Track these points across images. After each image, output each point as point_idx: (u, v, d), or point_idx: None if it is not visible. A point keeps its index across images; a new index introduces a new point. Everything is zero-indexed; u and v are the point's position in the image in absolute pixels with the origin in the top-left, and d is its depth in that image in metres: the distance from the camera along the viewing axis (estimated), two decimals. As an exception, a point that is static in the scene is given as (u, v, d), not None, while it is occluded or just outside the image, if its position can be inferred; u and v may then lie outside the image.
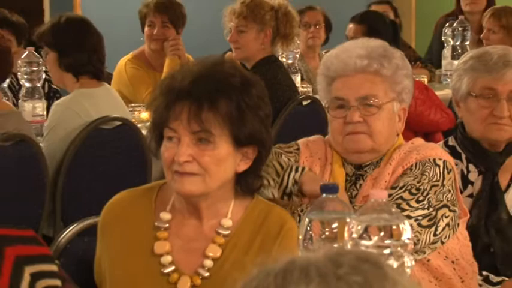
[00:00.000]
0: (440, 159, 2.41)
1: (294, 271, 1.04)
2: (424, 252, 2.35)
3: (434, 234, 2.34)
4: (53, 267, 2.00)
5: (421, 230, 2.30)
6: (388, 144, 2.43)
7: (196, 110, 1.98)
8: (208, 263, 2.06)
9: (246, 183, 2.11)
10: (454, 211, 2.40)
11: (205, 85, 2.00)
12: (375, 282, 1.03)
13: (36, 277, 1.96)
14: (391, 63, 2.41)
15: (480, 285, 2.58)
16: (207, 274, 2.06)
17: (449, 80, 5.03)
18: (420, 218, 2.30)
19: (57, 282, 1.97)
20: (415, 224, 2.27)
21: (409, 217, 2.24)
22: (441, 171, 2.38)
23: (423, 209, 2.32)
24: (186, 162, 2.00)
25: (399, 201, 2.30)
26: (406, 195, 2.32)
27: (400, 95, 2.43)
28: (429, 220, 2.32)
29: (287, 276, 1.03)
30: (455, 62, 4.92)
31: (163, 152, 2.04)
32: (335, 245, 1.73)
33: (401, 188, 2.34)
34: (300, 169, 2.33)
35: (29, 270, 1.96)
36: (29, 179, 3.59)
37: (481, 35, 5.51)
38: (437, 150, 2.49)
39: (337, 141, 2.44)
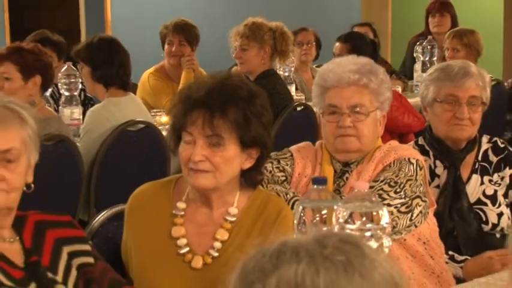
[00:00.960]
0: (414, 158, 2.42)
1: (287, 252, 1.03)
2: (401, 233, 2.35)
3: (410, 219, 2.35)
4: (87, 247, 2.00)
5: (400, 216, 2.31)
6: (371, 146, 2.44)
7: (210, 117, 1.97)
8: (217, 244, 2.06)
9: (249, 178, 2.11)
10: (425, 201, 2.41)
11: (217, 96, 2.00)
12: (355, 260, 1.03)
13: (72, 255, 1.96)
14: (378, 78, 2.43)
15: (446, 262, 2.58)
16: (216, 254, 2.06)
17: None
18: (399, 205, 2.31)
19: (91, 260, 1.97)
20: (394, 210, 2.28)
21: (389, 205, 2.26)
22: (414, 168, 2.39)
23: (400, 198, 2.32)
24: (200, 162, 1.99)
25: (380, 192, 2.30)
26: (386, 187, 2.33)
27: (382, 104, 2.44)
28: (406, 208, 2.33)
29: (280, 257, 1.03)
30: (425, 75, 4.92)
31: (181, 152, 2.04)
32: (324, 229, 1.73)
33: (382, 181, 2.35)
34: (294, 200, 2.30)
35: (66, 249, 1.96)
36: (68, 172, 3.60)
37: (446, 55, 5.49)
38: (411, 151, 2.50)
39: (329, 141, 2.45)
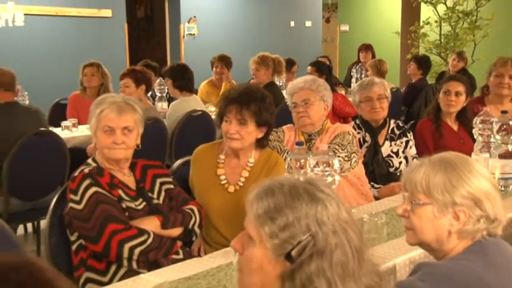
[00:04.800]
0: (351, 132, 2.40)
1: (275, 185, 0.96)
2: (345, 172, 2.33)
3: (350, 165, 2.33)
4: (170, 179, 2.00)
5: (344, 163, 2.28)
6: (320, 122, 2.40)
7: (240, 109, 1.95)
8: (242, 179, 2.04)
9: (261, 143, 2.07)
10: (357, 155, 2.39)
11: (244, 97, 1.97)
12: (317, 193, 0.94)
13: (162, 183, 1.96)
14: (315, 84, 2.41)
15: (370, 188, 2.57)
16: (241, 184, 2.04)
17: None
18: (344, 157, 2.29)
19: (172, 186, 1.98)
20: (342, 159, 2.26)
21: (338, 156, 2.23)
22: (351, 137, 2.36)
23: (345, 153, 2.30)
24: (234, 133, 1.97)
25: (334, 149, 2.29)
26: (336, 147, 2.31)
27: (322, 98, 2.40)
28: (348, 158, 2.30)
29: (275, 187, 0.96)
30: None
31: (222, 127, 2.01)
32: (301, 171, 1.70)
33: (334, 143, 2.33)
34: (286, 154, 2.26)
35: (159, 180, 1.96)
36: (159, 138, 3.59)
37: (367, 72, 5.47)
38: (349, 128, 2.48)
39: (295, 122, 2.43)
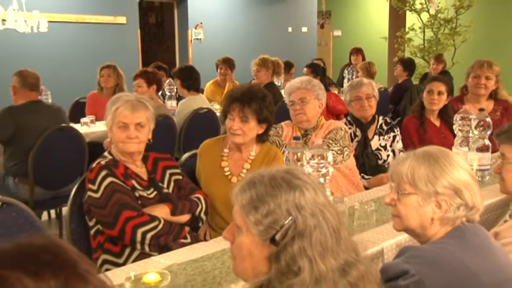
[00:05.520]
0: (343, 128, 2.38)
1: (265, 177, 0.94)
2: (338, 164, 2.31)
3: (342, 157, 2.31)
4: (178, 170, 1.98)
5: (337, 155, 2.27)
6: (315, 119, 2.38)
7: (242, 107, 1.93)
8: (244, 171, 2.03)
9: (261, 138, 2.06)
10: (349, 149, 2.37)
11: (246, 96, 1.95)
12: (294, 181, 0.92)
13: (171, 174, 1.95)
14: (311, 84, 2.39)
15: (360, 179, 2.55)
16: (244, 175, 2.01)
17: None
18: (337, 150, 2.28)
19: (180, 177, 1.96)
20: (335, 153, 2.25)
21: (332, 150, 2.22)
22: (344, 132, 2.35)
23: (338, 146, 2.29)
24: (237, 129, 1.95)
25: (328, 143, 2.27)
26: (330, 141, 2.29)
27: (317, 96, 2.38)
28: (340, 151, 2.29)
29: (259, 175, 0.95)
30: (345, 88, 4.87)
31: (226, 124, 2.00)
32: (298, 163, 1.69)
33: (328, 138, 2.31)
34: (284, 148, 2.24)
35: (168, 171, 1.95)
36: (169, 134, 3.57)
37: (358, 74, 5.45)
38: (342, 124, 2.45)
39: (293, 118, 2.41)
